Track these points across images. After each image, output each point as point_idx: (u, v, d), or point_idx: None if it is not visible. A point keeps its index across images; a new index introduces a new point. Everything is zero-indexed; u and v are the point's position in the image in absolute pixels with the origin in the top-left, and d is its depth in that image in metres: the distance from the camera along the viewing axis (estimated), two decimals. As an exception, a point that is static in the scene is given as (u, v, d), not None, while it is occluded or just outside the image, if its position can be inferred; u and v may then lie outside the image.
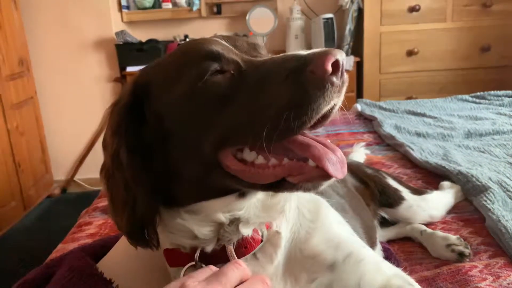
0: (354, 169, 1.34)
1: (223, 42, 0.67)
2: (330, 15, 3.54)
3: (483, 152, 1.78)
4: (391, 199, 1.28)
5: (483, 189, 1.35)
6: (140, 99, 0.68)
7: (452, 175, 1.51)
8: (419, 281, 0.94)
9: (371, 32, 3.51)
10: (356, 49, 3.67)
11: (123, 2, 3.87)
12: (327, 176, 0.57)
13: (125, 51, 3.66)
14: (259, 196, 0.69)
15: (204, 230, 0.67)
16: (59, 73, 3.85)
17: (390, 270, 0.74)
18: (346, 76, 0.57)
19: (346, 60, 0.58)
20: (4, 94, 3.15)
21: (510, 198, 1.32)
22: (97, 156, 3.79)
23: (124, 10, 3.89)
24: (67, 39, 3.78)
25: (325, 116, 0.59)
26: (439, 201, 1.35)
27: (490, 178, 1.42)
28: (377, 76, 3.59)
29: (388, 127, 2.20)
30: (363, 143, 2.01)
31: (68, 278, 0.81)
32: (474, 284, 0.98)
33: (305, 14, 3.82)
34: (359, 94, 3.67)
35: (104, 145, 0.70)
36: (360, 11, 3.57)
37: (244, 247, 0.69)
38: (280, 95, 0.56)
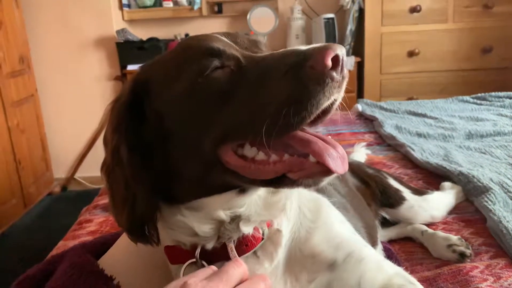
0: (355, 169, 1.34)
1: (224, 38, 0.67)
2: (331, 15, 3.54)
3: (484, 153, 1.78)
4: (392, 199, 1.28)
5: (484, 190, 1.35)
6: (140, 97, 0.68)
7: (453, 175, 1.51)
8: (420, 281, 0.93)
9: (372, 33, 3.51)
10: (357, 49, 3.67)
11: (124, 1, 3.86)
12: (328, 171, 0.57)
13: (126, 50, 3.66)
14: (260, 194, 0.68)
15: (204, 228, 0.67)
16: (59, 71, 3.85)
17: (391, 269, 0.73)
18: (346, 71, 0.57)
19: (347, 60, 0.57)
20: (5, 91, 3.15)
21: (511, 199, 1.31)
22: (98, 154, 3.80)
23: (125, 9, 3.89)
24: (68, 37, 3.78)
25: (325, 112, 0.59)
26: (440, 202, 1.35)
27: (491, 179, 1.42)
28: (378, 77, 3.59)
29: (389, 128, 2.20)
30: (364, 143, 2.01)
31: (69, 275, 0.81)
32: (475, 284, 0.98)
33: (306, 14, 3.82)
34: (360, 94, 3.66)
35: (105, 141, 0.70)
36: (361, 11, 3.56)
37: (245, 245, 0.68)
38: (280, 91, 0.56)
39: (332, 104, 0.58)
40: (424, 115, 2.46)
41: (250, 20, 3.69)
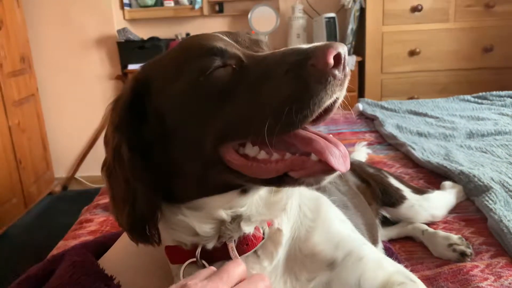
0: (356, 168, 1.34)
1: (225, 37, 0.67)
2: (332, 15, 3.54)
3: (485, 152, 1.78)
4: (393, 198, 1.28)
5: (485, 189, 1.35)
6: (141, 96, 0.67)
7: (454, 175, 1.51)
8: (420, 280, 0.94)
9: (373, 32, 3.50)
10: (358, 49, 3.66)
11: (125, 0, 3.87)
12: (329, 170, 0.56)
13: (127, 49, 3.66)
14: (262, 193, 0.68)
15: (205, 227, 0.67)
16: (60, 70, 3.85)
17: (391, 267, 0.73)
18: (348, 69, 0.57)
19: (348, 60, 0.57)
20: (6, 91, 3.15)
21: (512, 198, 1.31)
22: (98, 154, 3.80)
23: (126, 8, 3.89)
24: (69, 36, 3.78)
25: (327, 111, 0.58)
26: (440, 201, 1.35)
27: (492, 178, 1.42)
28: (379, 76, 3.58)
29: (389, 127, 2.20)
30: (365, 143, 2.00)
31: (70, 274, 0.81)
32: (476, 283, 0.98)
33: (307, 13, 3.81)
34: (361, 94, 3.66)
35: (106, 141, 0.70)
36: (362, 11, 3.56)
37: (246, 245, 0.68)
38: (282, 89, 0.56)
39: (334, 102, 0.57)
40: (425, 115, 2.46)
41: (251, 19, 3.68)
